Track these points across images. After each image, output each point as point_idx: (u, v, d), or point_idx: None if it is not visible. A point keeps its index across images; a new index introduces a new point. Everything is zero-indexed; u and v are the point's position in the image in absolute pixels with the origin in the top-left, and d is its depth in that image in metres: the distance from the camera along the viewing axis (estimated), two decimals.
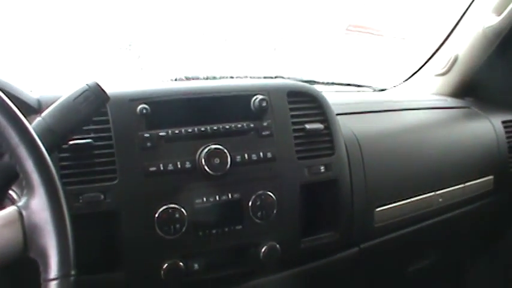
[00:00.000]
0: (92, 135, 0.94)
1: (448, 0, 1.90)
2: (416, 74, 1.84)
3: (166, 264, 0.97)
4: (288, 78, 1.40)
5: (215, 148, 0.99)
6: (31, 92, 0.96)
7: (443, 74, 1.76)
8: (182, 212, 0.97)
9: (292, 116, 1.11)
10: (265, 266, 1.07)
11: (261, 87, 1.11)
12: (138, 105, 0.97)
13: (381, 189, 1.28)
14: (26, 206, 0.63)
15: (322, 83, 1.60)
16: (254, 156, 1.04)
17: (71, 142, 0.90)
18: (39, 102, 0.94)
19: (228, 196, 1.02)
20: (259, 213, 1.04)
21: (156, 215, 0.95)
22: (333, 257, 1.21)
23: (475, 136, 1.58)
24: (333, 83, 1.67)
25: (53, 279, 0.61)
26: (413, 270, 1.55)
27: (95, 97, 0.80)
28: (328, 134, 1.15)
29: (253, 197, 1.04)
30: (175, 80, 1.31)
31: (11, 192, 0.80)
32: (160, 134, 0.98)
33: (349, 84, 1.75)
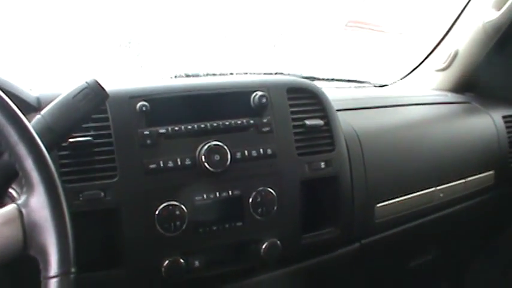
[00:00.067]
0: (92, 132, 0.94)
1: None
2: (416, 70, 1.84)
3: (166, 262, 0.97)
4: (288, 74, 1.40)
5: (215, 145, 0.99)
6: (30, 91, 0.96)
7: (443, 69, 1.76)
8: (182, 209, 0.97)
9: (292, 112, 1.11)
10: (266, 263, 1.08)
11: (261, 83, 1.11)
12: (137, 103, 0.97)
13: (382, 184, 1.28)
14: (26, 204, 0.63)
15: (322, 79, 1.60)
16: (254, 153, 1.04)
17: (70, 140, 0.90)
18: (38, 100, 0.94)
19: (228, 193, 1.02)
20: (259, 210, 1.04)
21: (157, 212, 0.95)
22: (333, 253, 1.21)
23: (476, 131, 1.58)
24: (333, 79, 1.67)
25: (53, 277, 0.61)
26: (414, 266, 1.56)
27: (94, 95, 0.80)
28: (328, 130, 1.15)
29: (254, 193, 1.04)
30: (175, 77, 1.31)
31: (10, 190, 0.80)
32: (160, 131, 0.98)
33: (349, 80, 1.75)
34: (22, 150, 0.63)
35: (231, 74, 1.39)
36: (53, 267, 0.61)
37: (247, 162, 1.04)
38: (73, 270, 0.62)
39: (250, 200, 1.04)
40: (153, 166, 0.96)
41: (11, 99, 0.65)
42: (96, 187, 0.92)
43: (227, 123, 1.04)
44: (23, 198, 0.64)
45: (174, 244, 0.98)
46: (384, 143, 1.32)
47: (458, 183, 1.45)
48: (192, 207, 0.98)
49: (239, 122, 1.05)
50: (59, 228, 0.62)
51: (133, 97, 0.98)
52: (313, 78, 1.49)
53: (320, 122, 1.14)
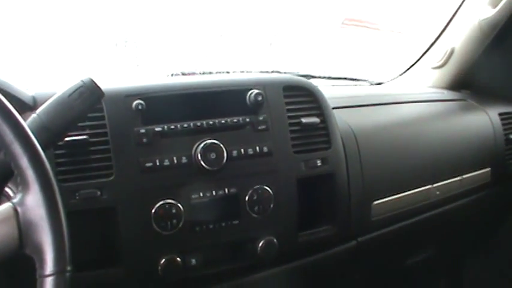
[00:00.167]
0: (88, 131, 0.94)
1: None
2: (412, 67, 1.84)
3: (163, 260, 0.97)
4: (284, 72, 1.39)
5: (211, 143, 0.99)
6: (26, 89, 0.96)
7: (439, 67, 1.76)
8: (179, 207, 0.97)
9: (288, 110, 1.11)
10: (262, 261, 1.07)
11: (257, 81, 1.11)
12: (133, 101, 0.97)
13: (378, 182, 1.28)
14: (21, 202, 0.63)
15: (319, 77, 1.60)
16: (250, 151, 1.04)
17: (66, 139, 0.90)
18: (34, 99, 0.94)
19: (224, 191, 1.02)
20: (256, 208, 1.04)
21: (153, 211, 0.95)
22: (330, 250, 1.21)
23: (472, 128, 1.58)
24: (329, 77, 1.67)
25: (49, 275, 0.61)
26: (411, 263, 1.56)
27: (90, 93, 0.80)
28: (325, 127, 1.15)
29: (250, 191, 1.04)
30: (171, 75, 1.31)
31: (6, 189, 0.80)
32: (156, 129, 0.98)
33: (345, 78, 1.75)
34: (17, 148, 0.63)
35: (227, 72, 1.39)
36: (49, 266, 0.61)
37: (243, 160, 1.03)
38: (69, 268, 0.62)
39: (247, 198, 1.03)
40: (149, 165, 0.96)
41: (6, 98, 0.65)
42: (92, 186, 0.92)
43: (223, 121, 1.03)
44: (18, 196, 0.64)
45: (170, 242, 0.97)
46: (380, 141, 1.32)
47: (455, 181, 1.46)
48: (188, 206, 0.98)
49: (235, 120, 1.05)
50: (55, 227, 0.62)
51: (129, 95, 0.98)
52: (309, 76, 1.49)
53: (316, 119, 1.14)
